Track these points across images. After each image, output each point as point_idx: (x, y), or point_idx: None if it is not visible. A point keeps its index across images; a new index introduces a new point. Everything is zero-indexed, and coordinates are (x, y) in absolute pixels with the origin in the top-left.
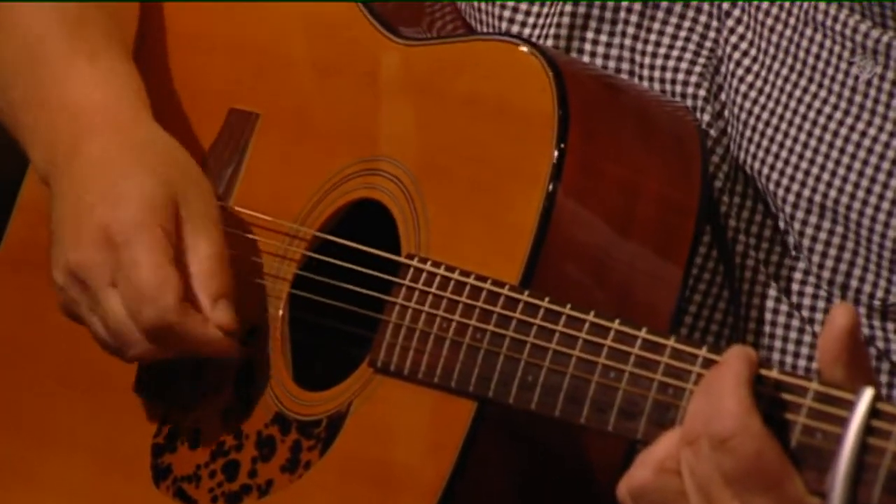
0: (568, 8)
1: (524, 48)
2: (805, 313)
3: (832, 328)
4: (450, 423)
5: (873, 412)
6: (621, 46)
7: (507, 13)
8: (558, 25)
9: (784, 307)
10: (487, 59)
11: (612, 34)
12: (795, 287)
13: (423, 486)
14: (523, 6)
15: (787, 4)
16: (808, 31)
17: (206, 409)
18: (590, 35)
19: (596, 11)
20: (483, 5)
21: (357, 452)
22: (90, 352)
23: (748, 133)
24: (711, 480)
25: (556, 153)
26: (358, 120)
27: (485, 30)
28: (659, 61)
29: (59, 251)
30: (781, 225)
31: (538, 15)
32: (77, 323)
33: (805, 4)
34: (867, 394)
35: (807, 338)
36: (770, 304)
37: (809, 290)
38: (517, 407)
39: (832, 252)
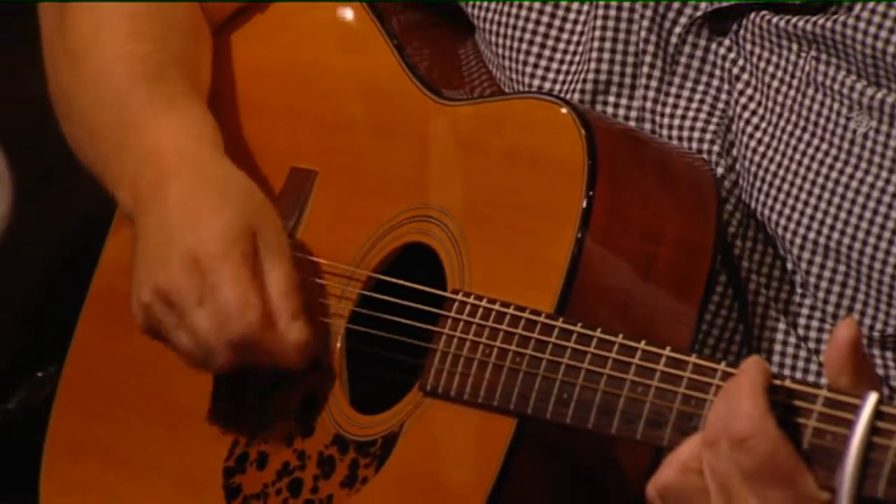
0: (591, 76)
1: (557, 104)
2: (812, 345)
3: (837, 341)
4: (493, 438)
5: (878, 414)
6: (642, 109)
7: (536, 81)
8: (582, 91)
9: (792, 339)
10: (523, 115)
11: (631, 98)
12: (802, 321)
13: (470, 495)
14: (551, 74)
15: (790, 68)
16: (811, 91)
17: (273, 433)
18: (611, 99)
19: (616, 78)
20: (512, 65)
21: (409, 467)
22: (168, 388)
23: (758, 184)
24: (731, 477)
25: (585, 197)
26: (407, 173)
27: (516, 88)
28: (677, 121)
29: (147, 275)
30: (790, 266)
31: (563, 82)
32: (157, 339)
33: (807, 67)
34: (871, 398)
35: (813, 366)
36: (780, 336)
37: (815, 323)
38: (553, 421)
39: (835, 288)
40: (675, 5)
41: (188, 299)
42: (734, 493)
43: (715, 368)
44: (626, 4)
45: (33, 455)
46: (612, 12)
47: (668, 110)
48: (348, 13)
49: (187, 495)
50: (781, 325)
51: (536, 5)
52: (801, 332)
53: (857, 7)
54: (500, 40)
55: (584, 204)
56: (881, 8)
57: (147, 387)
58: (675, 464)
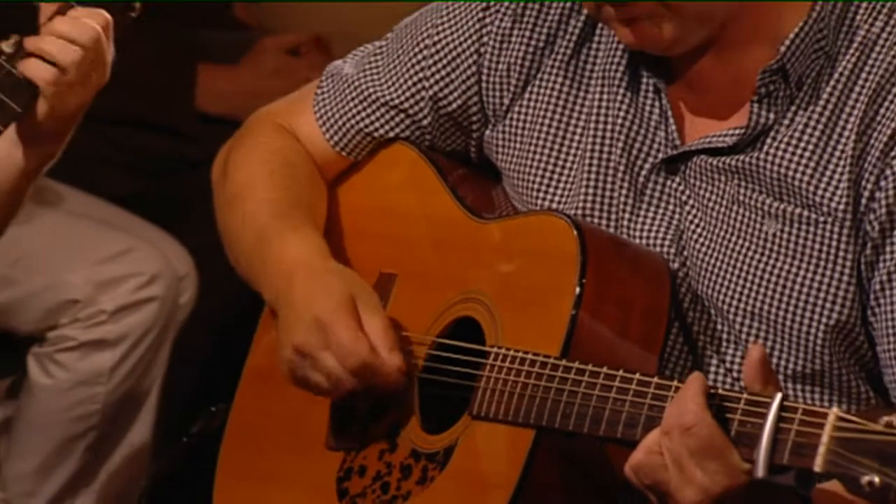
0: (580, 205)
1: (559, 217)
2: (743, 384)
3: (750, 359)
4: (519, 443)
5: (782, 408)
6: (621, 227)
7: (545, 203)
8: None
9: (728, 381)
10: (536, 225)
11: (609, 220)
12: (736, 367)
13: (505, 483)
14: (553, 205)
15: (721, 192)
16: (735, 207)
17: (369, 452)
18: (595, 221)
19: (598, 205)
20: (528, 199)
21: (463, 468)
22: (298, 426)
23: (703, 273)
24: (681, 455)
25: (579, 285)
26: (458, 270)
27: (528, 208)
28: (644, 234)
29: (286, 339)
30: (727, 329)
31: (560, 204)
32: (300, 386)
33: (732, 191)
34: (778, 396)
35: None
36: (720, 379)
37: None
38: (560, 429)
39: (759, 342)
40: (642, 155)
41: (316, 348)
42: (684, 465)
43: (670, 385)
44: (606, 154)
45: (208, 472)
46: (596, 161)
47: (638, 226)
48: (418, 170)
49: (314, 498)
50: (721, 370)
51: (543, 157)
52: (734, 375)
53: (765, 146)
54: (518, 183)
55: (578, 288)
56: (782, 146)
57: (285, 426)
58: (643, 448)
